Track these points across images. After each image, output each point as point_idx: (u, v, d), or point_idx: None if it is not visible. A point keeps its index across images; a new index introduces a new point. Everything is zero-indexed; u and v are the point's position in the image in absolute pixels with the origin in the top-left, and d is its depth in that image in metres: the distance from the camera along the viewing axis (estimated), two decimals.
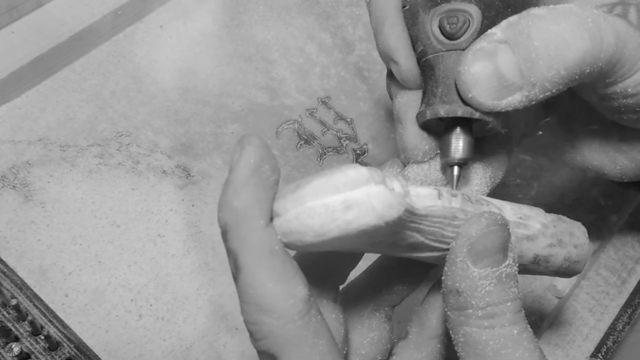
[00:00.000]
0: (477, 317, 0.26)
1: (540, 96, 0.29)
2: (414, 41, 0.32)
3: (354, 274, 0.34)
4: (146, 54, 0.57)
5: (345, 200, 0.24)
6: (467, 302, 0.26)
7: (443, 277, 0.27)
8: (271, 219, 0.25)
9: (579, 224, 0.34)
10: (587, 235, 0.34)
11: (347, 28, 0.61)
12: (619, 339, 0.45)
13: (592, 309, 0.47)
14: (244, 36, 0.60)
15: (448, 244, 0.28)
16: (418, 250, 0.29)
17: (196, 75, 0.57)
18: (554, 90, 0.28)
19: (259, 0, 0.62)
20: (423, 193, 0.28)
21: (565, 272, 0.33)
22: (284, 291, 0.24)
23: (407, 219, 0.26)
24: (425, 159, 0.33)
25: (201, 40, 0.59)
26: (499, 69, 0.28)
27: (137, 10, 0.59)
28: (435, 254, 0.29)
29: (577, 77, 0.28)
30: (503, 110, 0.29)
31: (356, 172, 0.24)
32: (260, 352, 0.26)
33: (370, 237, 0.26)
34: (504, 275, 0.27)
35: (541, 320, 0.47)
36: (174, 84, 0.56)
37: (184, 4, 0.61)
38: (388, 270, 0.34)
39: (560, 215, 0.33)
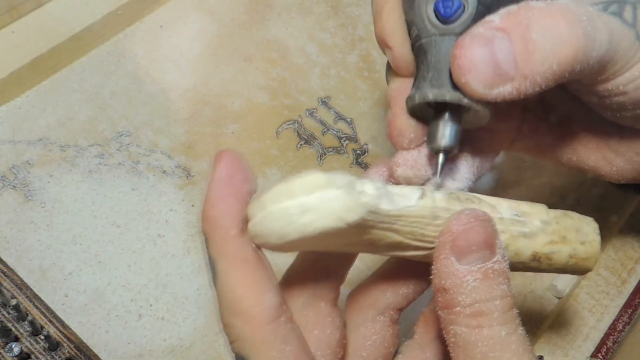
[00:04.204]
0: (465, 315, 0.26)
1: (530, 90, 0.28)
2: (410, 25, 0.32)
3: (358, 276, 0.34)
4: (146, 54, 0.57)
5: (301, 204, 0.25)
6: (454, 299, 0.26)
7: (432, 276, 0.27)
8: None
9: (590, 219, 0.33)
10: (598, 231, 0.33)
11: (347, 28, 0.61)
12: (619, 339, 0.45)
13: (592, 309, 0.47)
14: (244, 36, 0.60)
15: (431, 242, 0.28)
16: (400, 249, 0.29)
17: (196, 75, 0.57)
18: (543, 86, 0.28)
19: (259, 1, 0.62)
20: (403, 193, 0.28)
21: (573, 269, 0.32)
22: (253, 297, 0.26)
23: (376, 220, 0.27)
24: (412, 146, 0.33)
25: (201, 40, 0.59)
26: (495, 57, 0.28)
27: (137, 10, 0.59)
28: (420, 252, 0.29)
29: (567, 74, 0.28)
30: (492, 101, 0.29)
31: (314, 177, 0.26)
32: (234, 354, 0.27)
33: (339, 238, 0.27)
34: (490, 272, 0.26)
35: (541, 320, 0.47)
36: (173, 84, 0.56)
37: (184, 4, 0.61)
38: (394, 273, 0.33)
39: (567, 211, 0.32)
